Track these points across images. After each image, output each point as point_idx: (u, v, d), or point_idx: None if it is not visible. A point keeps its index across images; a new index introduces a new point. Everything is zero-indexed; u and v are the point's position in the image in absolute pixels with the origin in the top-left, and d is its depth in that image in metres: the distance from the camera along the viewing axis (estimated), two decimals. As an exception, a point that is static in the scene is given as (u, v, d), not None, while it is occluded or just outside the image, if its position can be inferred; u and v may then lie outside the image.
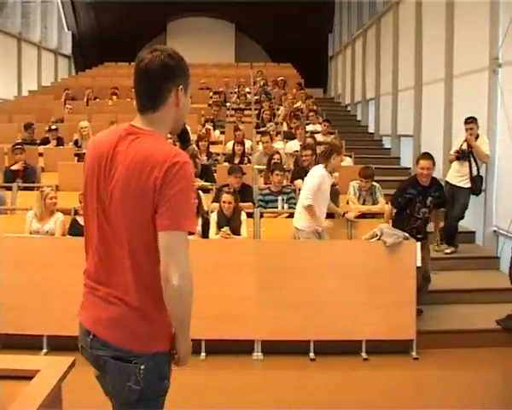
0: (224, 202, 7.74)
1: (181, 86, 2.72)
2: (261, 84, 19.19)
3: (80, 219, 7.82)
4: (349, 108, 22.90)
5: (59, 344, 6.32)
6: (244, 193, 8.70)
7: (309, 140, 11.18)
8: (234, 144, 11.17)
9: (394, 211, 7.90)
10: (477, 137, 9.24)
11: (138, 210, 2.59)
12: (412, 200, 7.70)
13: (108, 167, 2.66)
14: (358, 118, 21.41)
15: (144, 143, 2.63)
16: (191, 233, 2.64)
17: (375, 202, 8.54)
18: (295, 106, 16.03)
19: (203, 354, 6.85)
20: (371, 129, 19.57)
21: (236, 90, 18.65)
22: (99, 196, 2.69)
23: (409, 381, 6.69)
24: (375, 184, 8.64)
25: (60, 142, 12.04)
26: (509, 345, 7.23)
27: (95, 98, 17.40)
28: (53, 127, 12.26)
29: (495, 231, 9.76)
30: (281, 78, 19.92)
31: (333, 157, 7.69)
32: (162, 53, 2.67)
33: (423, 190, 7.69)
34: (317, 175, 7.72)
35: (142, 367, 2.64)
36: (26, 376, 2.60)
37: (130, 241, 2.63)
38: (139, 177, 2.56)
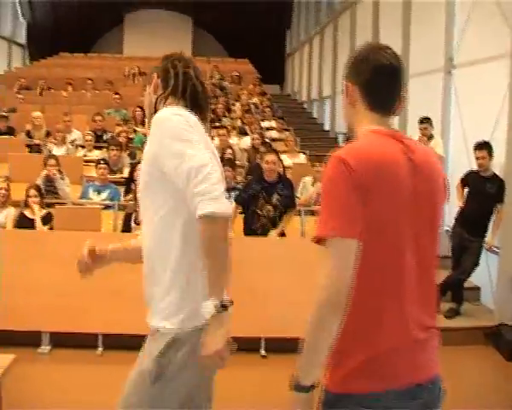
0: None
1: None
2: (217, 78, 19.03)
3: (28, 213, 7.52)
4: (305, 106, 22.90)
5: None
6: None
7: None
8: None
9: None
10: (431, 137, 9.22)
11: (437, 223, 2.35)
12: (256, 196, 7.31)
13: (414, 181, 2.21)
14: (314, 115, 21.43)
15: (425, 149, 2.53)
16: None
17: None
18: (251, 102, 15.96)
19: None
20: (327, 126, 19.59)
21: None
22: (416, 217, 2.22)
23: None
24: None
25: (11, 131, 11.60)
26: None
27: (49, 89, 16.92)
28: (3, 114, 11.85)
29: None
30: (235, 73, 19.79)
31: None
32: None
33: (269, 187, 7.35)
34: None
35: None
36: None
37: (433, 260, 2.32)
38: (440, 188, 2.33)
